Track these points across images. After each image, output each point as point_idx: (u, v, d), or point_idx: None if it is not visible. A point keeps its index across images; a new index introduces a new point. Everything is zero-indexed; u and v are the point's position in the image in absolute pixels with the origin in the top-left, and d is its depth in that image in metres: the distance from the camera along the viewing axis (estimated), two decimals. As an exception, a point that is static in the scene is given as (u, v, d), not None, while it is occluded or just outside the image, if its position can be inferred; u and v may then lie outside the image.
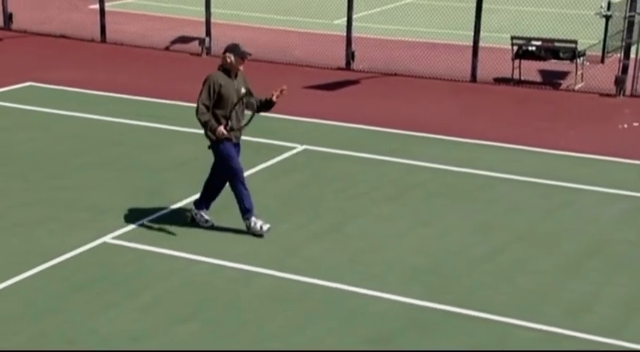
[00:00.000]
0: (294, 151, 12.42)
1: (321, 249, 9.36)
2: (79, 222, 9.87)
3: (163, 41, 19.31)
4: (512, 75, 16.35)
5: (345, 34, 17.63)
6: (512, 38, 16.29)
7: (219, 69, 9.47)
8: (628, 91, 15.39)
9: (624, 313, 8.11)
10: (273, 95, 9.53)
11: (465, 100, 15.46)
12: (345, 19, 17.66)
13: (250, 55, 9.53)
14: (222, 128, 9.30)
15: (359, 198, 10.77)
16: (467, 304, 8.20)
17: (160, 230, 9.71)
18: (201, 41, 18.51)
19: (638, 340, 7.60)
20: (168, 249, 9.24)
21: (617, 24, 16.40)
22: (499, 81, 16.46)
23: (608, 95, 15.41)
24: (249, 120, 9.52)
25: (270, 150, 12.37)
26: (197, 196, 9.87)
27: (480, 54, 16.49)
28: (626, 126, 13.85)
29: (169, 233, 9.64)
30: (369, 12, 22.66)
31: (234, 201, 9.56)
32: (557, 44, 16.24)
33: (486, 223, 10.07)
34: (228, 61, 9.40)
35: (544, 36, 16.57)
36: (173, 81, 16.42)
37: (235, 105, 9.37)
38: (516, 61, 16.29)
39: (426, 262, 9.10)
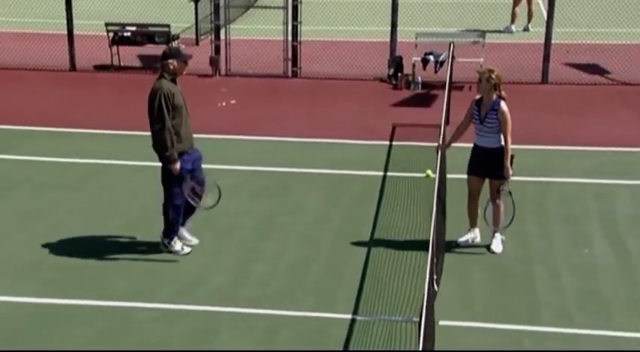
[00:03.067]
0: None
1: None
2: None
3: None
4: (112, 62, 16.39)
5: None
6: (107, 24, 16.31)
7: (162, 77, 8.53)
8: (223, 71, 16.16)
9: (234, 280, 8.62)
10: None
11: (65, 90, 15.20)
12: None
13: (191, 57, 8.82)
14: (178, 166, 8.57)
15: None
16: (84, 295, 8.22)
17: None
18: None
19: (250, 305, 8.13)
20: None
21: (206, 7, 17.12)
22: (99, 68, 16.43)
23: (205, 76, 16.04)
24: None
25: None
26: None
27: (78, 42, 16.30)
28: (224, 104, 14.56)
29: None
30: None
31: None
32: (151, 29, 16.56)
33: (98, 211, 10.11)
34: (172, 67, 8.58)
35: (139, 21, 16.79)
36: None
37: (186, 112, 8.69)
38: (114, 48, 16.35)
39: (40, 258, 8.94)
